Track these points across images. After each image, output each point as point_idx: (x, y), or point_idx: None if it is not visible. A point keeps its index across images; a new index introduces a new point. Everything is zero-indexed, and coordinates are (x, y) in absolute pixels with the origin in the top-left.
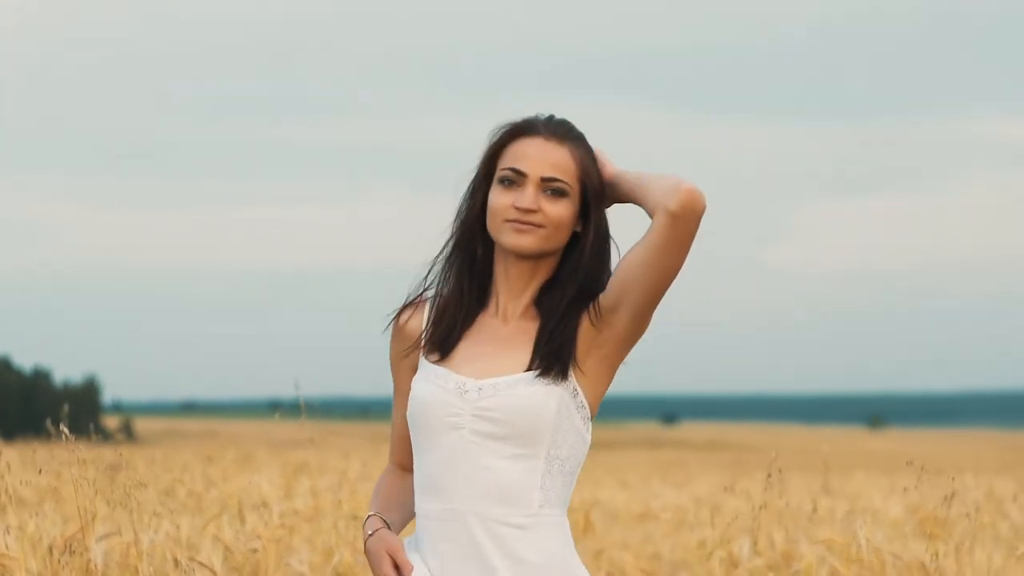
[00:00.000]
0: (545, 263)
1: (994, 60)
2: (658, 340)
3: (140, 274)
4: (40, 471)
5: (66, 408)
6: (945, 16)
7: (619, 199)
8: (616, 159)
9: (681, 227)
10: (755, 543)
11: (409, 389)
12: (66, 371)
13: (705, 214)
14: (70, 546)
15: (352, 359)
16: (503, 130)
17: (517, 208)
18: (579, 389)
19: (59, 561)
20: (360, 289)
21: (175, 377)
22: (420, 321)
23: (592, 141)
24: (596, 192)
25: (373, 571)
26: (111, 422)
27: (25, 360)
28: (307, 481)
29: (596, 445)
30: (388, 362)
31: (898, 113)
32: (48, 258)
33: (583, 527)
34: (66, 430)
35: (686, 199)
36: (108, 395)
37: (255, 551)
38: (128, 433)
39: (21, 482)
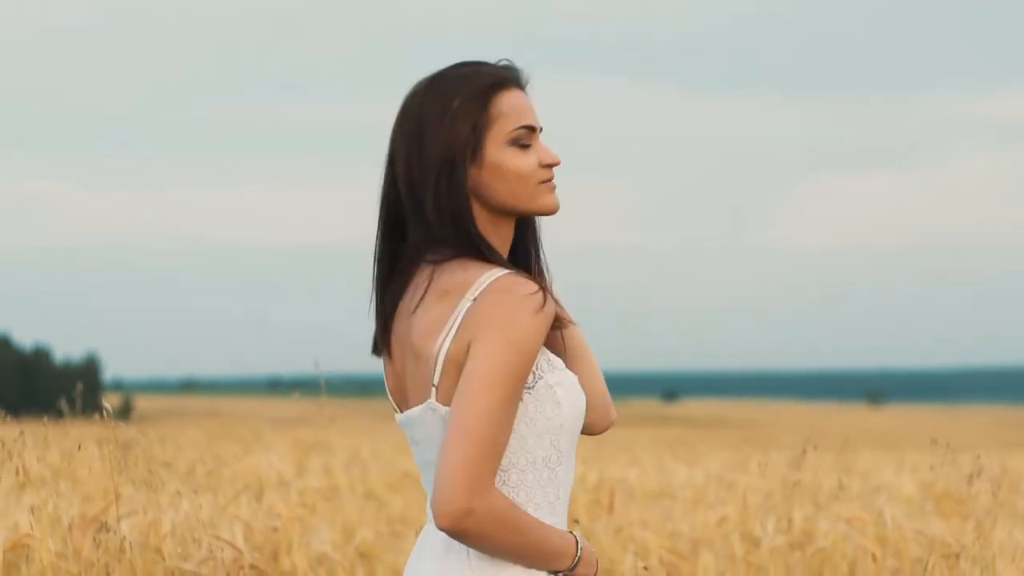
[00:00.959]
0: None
1: (988, 37)
2: (658, 318)
3: (139, 251)
4: (53, 450)
5: (80, 387)
6: None
7: None
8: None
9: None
10: (785, 520)
11: (524, 388)
12: (66, 349)
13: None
14: (104, 524)
15: (351, 336)
16: (479, 88)
17: (545, 166)
18: None
19: (94, 539)
20: (359, 267)
21: (174, 354)
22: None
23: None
24: None
25: None
26: (112, 400)
27: (25, 338)
28: (319, 459)
29: None
30: (524, 357)
31: (895, 90)
32: (48, 235)
33: (607, 505)
34: (77, 408)
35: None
36: (108, 373)
37: (275, 530)
38: (127, 411)
39: (37, 459)
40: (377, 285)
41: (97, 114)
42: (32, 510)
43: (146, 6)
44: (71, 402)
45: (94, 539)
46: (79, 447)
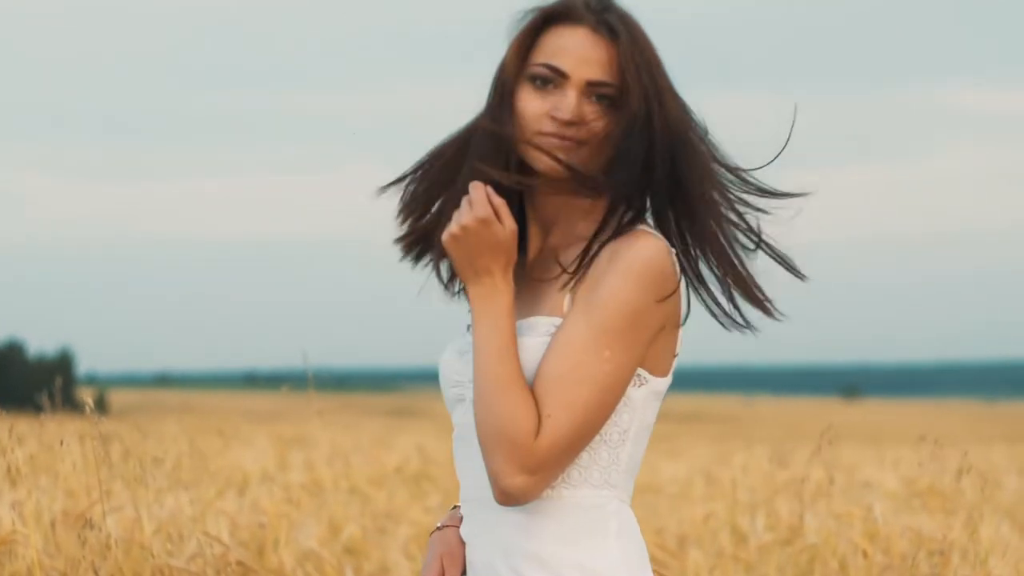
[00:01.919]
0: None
1: (967, 30)
2: None
3: (112, 244)
4: (32, 445)
5: (59, 381)
6: None
7: None
8: None
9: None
10: (773, 516)
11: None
12: (39, 343)
13: None
14: (89, 520)
15: (326, 328)
16: (534, 14)
17: (555, 118)
18: None
19: (79, 536)
20: (335, 261)
21: (148, 348)
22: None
23: None
24: (656, 104)
25: None
26: (87, 395)
27: None
28: (301, 454)
29: None
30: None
31: (868, 83)
32: (19, 229)
33: None
34: (57, 402)
35: (503, 502)
36: (82, 367)
37: (261, 526)
38: (103, 406)
39: (21, 456)
40: None
41: (69, 107)
42: (13, 506)
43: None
44: (51, 396)
45: (79, 536)
46: (61, 442)
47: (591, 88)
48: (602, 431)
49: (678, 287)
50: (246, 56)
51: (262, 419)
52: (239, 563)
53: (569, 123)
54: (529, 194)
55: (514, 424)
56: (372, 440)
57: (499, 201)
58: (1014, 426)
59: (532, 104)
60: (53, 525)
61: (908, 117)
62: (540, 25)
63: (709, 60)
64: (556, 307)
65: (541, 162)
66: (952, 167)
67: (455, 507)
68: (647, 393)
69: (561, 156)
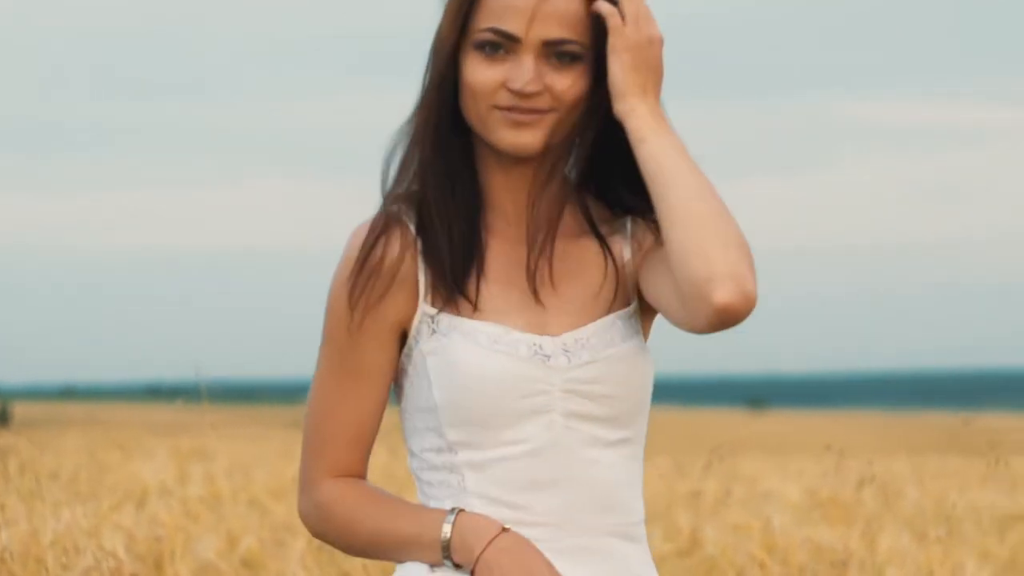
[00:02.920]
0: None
1: (867, 42)
2: None
3: (14, 255)
4: None
5: None
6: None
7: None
8: None
9: (706, 326)
10: (672, 527)
11: (380, 364)
12: None
13: None
14: None
15: (234, 338)
16: None
17: (511, 90)
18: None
19: None
20: (236, 272)
21: (52, 360)
22: (410, 256)
23: None
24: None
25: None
26: None
27: None
28: (200, 467)
29: None
30: (332, 321)
31: (772, 95)
32: None
33: None
34: None
35: (733, 304)
36: None
37: (158, 539)
38: (6, 418)
39: None
40: None
41: None
42: None
43: (33, 7)
44: None
45: None
46: None
47: (549, 48)
48: None
49: None
50: (145, 67)
51: (165, 432)
52: None
53: (528, 94)
54: (489, 184)
55: (744, 238)
56: (276, 452)
57: None
58: (919, 436)
59: (482, 74)
60: None
61: (813, 129)
62: None
63: None
64: (626, 298)
65: (508, 138)
66: (850, 180)
67: (457, 510)
68: None
69: (513, 135)
